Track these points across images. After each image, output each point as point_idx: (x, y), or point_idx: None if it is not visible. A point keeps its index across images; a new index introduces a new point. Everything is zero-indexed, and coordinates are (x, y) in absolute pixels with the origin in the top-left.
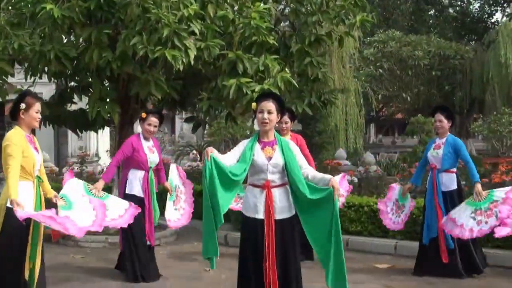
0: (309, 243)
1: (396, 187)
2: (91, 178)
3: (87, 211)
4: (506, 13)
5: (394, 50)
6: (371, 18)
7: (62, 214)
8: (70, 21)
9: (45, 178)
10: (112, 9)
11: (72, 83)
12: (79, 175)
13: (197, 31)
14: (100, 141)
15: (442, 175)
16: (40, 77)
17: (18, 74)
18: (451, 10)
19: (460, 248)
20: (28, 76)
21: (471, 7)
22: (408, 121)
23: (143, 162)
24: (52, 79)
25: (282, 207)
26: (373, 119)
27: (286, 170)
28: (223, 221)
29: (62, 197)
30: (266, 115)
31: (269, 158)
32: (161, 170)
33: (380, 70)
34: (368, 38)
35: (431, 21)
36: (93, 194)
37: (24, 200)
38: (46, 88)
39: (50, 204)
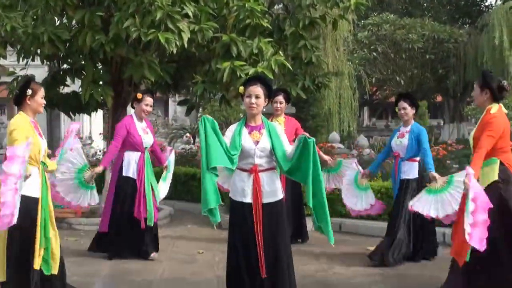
0: (302, 226)
1: (353, 167)
2: None
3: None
4: None
5: (388, 33)
6: (365, 1)
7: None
8: (62, 3)
9: (47, 160)
10: None
11: (65, 66)
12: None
13: (190, 14)
14: (93, 124)
15: (404, 163)
16: (33, 60)
17: (10, 56)
18: None
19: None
20: (21, 59)
21: None
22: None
23: (138, 143)
24: (45, 61)
25: (270, 191)
26: (367, 103)
27: (274, 154)
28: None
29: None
30: (253, 100)
31: (256, 142)
32: (159, 151)
33: (374, 53)
34: (362, 21)
35: (425, 4)
36: (82, 179)
37: (31, 185)
38: (38, 71)
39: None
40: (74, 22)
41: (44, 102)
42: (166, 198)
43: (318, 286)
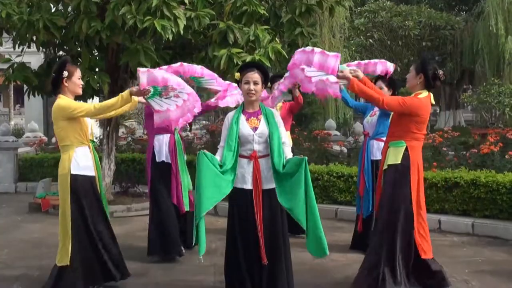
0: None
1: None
2: None
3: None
4: None
5: (385, 20)
6: None
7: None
8: None
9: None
10: None
11: (61, 53)
12: None
13: (186, 1)
14: None
15: (372, 142)
16: (29, 47)
17: (6, 43)
18: None
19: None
20: (16, 45)
21: None
22: (398, 92)
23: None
24: (41, 48)
25: (270, 177)
26: None
27: (268, 139)
28: (202, 216)
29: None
30: (252, 86)
31: (255, 129)
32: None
33: (371, 40)
34: (359, 8)
35: None
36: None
37: (86, 163)
38: (34, 58)
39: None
40: (69, 8)
41: (82, 82)
42: None
43: (314, 273)
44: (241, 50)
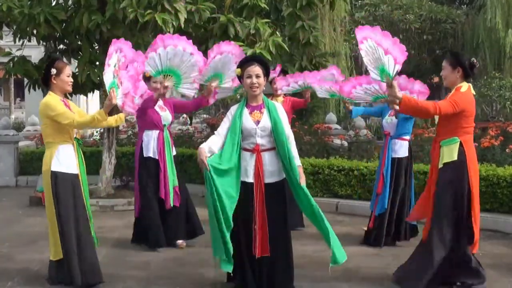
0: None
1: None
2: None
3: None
4: None
5: (386, 13)
6: None
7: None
8: None
9: (83, 115)
10: None
11: (61, 46)
12: None
13: None
14: (90, 104)
15: (394, 141)
16: (29, 40)
17: (6, 36)
18: None
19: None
20: (17, 39)
21: None
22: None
23: (156, 120)
24: (41, 42)
25: (272, 171)
26: None
27: (273, 133)
28: (232, 225)
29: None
30: (255, 80)
31: (257, 122)
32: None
33: None
34: (360, 1)
35: None
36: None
37: (67, 161)
38: (35, 51)
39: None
40: (70, 2)
41: (71, 80)
42: None
43: (315, 266)
44: (242, 44)
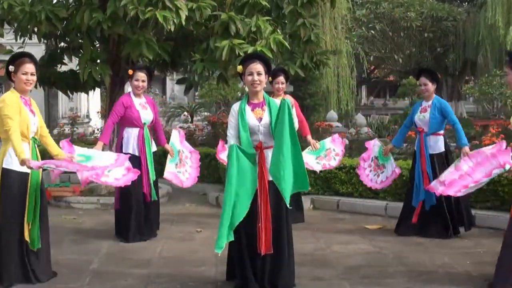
0: (299, 208)
1: (375, 144)
2: (82, 140)
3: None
4: None
5: (387, 11)
6: None
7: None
8: None
9: (50, 140)
10: None
11: (62, 44)
12: (70, 137)
13: None
14: (91, 102)
15: (429, 138)
16: (30, 38)
17: (7, 34)
18: None
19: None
20: (18, 37)
21: None
22: (400, 83)
23: (135, 119)
24: (42, 39)
25: None
26: (365, 81)
27: (271, 130)
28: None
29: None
30: (256, 77)
31: (260, 119)
32: (160, 131)
33: (372, 32)
34: None
35: None
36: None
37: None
38: (36, 49)
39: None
40: (71, 0)
41: (29, 78)
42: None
43: (316, 264)
44: (243, 41)
